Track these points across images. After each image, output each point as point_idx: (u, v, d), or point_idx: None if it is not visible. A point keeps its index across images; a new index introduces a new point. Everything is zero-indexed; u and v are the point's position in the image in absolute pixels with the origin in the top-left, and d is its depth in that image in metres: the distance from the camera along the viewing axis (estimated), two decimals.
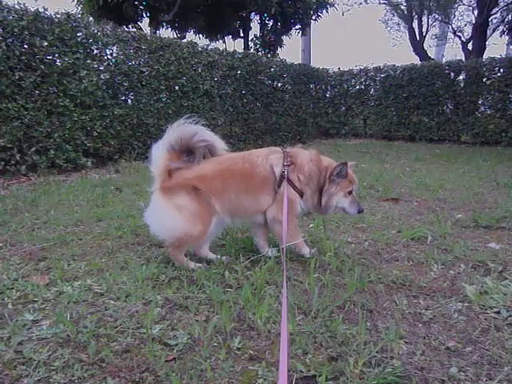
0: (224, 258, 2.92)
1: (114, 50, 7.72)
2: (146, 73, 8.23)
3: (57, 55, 6.54)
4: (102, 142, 7.44)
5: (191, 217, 2.70)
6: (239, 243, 3.22)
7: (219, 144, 2.93)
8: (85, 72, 6.88)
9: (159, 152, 2.82)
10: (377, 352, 1.75)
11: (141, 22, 13.04)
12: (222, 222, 2.92)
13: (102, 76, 7.41)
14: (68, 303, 2.25)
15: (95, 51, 7.27)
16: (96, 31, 7.23)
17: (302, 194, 2.87)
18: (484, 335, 1.91)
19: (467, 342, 1.87)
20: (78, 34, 6.86)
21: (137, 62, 8.05)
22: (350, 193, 2.90)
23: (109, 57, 7.62)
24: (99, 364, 1.72)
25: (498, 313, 2.11)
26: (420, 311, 2.17)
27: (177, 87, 8.85)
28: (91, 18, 8.54)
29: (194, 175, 2.74)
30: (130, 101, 8.13)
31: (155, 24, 12.28)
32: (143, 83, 8.17)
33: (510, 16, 17.20)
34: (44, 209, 4.44)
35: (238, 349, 1.82)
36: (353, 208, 2.92)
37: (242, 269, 2.69)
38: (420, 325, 2.04)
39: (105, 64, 7.53)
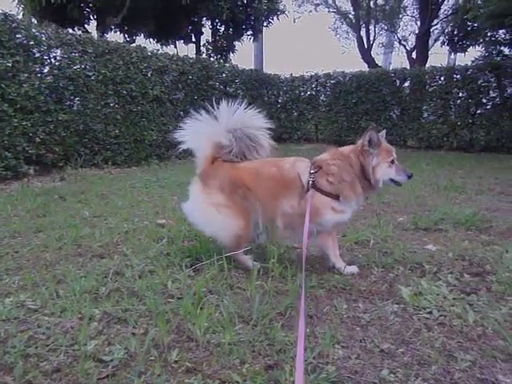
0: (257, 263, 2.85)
1: (58, 53, 7.45)
2: (93, 77, 8.01)
3: None
4: (45, 148, 7.14)
5: (232, 216, 2.78)
6: (185, 251, 3.17)
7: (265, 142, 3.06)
8: (25, 75, 6.59)
9: (212, 131, 2.92)
10: (313, 358, 1.78)
11: (88, 25, 12.71)
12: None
13: (44, 80, 7.12)
14: None
15: (37, 54, 6.99)
16: (37, 33, 6.94)
17: (337, 197, 2.73)
18: (416, 336, 1.98)
19: (400, 343, 1.93)
20: (18, 36, 6.57)
21: (82, 66, 7.81)
22: (392, 162, 2.79)
23: (52, 60, 7.35)
24: None
25: (431, 313, 2.20)
26: (358, 315, 2.22)
27: (125, 92, 8.66)
28: (34, 20, 8.22)
29: (237, 171, 2.85)
30: (75, 106, 7.87)
31: (103, 27, 11.97)
32: (89, 88, 7.95)
33: (449, 27, 18.16)
34: None
35: (176, 361, 1.79)
36: (401, 175, 2.80)
37: (185, 278, 2.65)
38: (358, 328, 2.09)
39: (48, 67, 7.25)
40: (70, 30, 9.97)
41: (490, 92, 12.08)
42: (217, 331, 2.01)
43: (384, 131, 2.98)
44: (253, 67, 16.30)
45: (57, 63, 7.39)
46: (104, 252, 3.30)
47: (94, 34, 11.88)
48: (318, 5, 22.07)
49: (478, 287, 2.54)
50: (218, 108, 2.98)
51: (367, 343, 1.93)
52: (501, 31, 14.92)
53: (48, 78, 7.23)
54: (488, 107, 12.24)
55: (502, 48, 15.80)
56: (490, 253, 3.16)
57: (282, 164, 2.88)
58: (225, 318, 2.08)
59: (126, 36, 14.67)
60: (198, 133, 3.01)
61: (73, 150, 7.76)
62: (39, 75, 7.02)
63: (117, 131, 8.56)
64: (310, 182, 2.71)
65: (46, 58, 7.23)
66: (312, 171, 2.75)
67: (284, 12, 15.58)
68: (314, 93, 14.90)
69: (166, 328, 1.96)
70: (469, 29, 16.67)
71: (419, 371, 1.69)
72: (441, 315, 2.17)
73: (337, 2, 21.77)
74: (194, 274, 2.77)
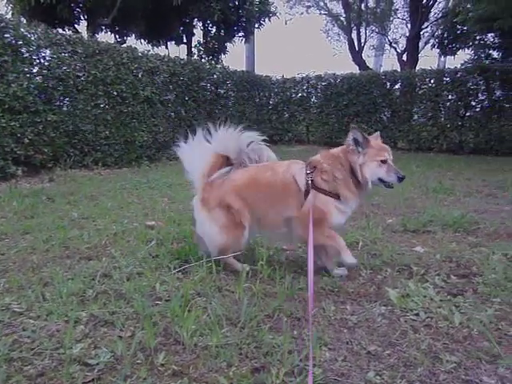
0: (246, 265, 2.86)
1: (48, 54, 7.39)
2: (83, 78, 7.96)
3: None
4: (34, 149, 7.07)
5: (227, 231, 2.81)
6: (173, 253, 3.16)
7: (267, 153, 3.02)
8: (14, 75, 6.52)
9: (204, 155, 2.91)
10: (300, 360, 1.78)
11: (78, 25, 12.62)
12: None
13: (33, 80, 7.05)
14: None
15: (25, 54, 6.92)
16: (26, 33, 6.88)
17: (338, 196, 2.71)
18: (402, 337, 1.99)
19: (387, 345, 1.94)
20: (6, 36, 6.50)
21: (72, 67, 7.75)
22: (384, 162, 2.69)
23: (41, 60, 7.29)
24: None
25: (417, 315, 2.21)
26: (346, 317, 2.23)
27: (115, 93, 8.61)
28: (23, 19, 8.15)
29: (228, 188, 2.82)
30: (65, 106, 7.81)
31: (93, 27, 11.89)
32: (79, 88, 7.90)
33: (439, 30, 18.34)
34: None
35: (162, 365, 1.78)
36: (391, 176, 2.69)
37: (173, 280, 2.64)
38: (345, 330, 2.09)
39: (37, 68, 7.19)
40: (60, 30, 9.87)
41: (479, 95, 12.20)
42: (204, 334, 2.00)
43: (378, 133, 2.95)
44: (244, 69, 16.31)
45: (46, 63, 7.32)
46: (92, 254, 3.28)
47: (85, 34, 11.83)
48: (309, 7, 22.18)
49: (465, 289, 2.56)
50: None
51: (354, 345, 1.93)
52: (489, 35, 15.13)
53: (37, 78, 7.17)
54: (477, 110, 12.37)
55: (490, 51, 16.01)
56: (477, 254, 3.19)
57: (277, 168, 2.85)
58: (212, 320, 2.07)
59: (117, 36, 14.60)
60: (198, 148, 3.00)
61: (62, 151, 7.70)
62: (28, 75, 6.94)
63: (107, 132, 8.51)
64: (310, 182, 2.69)
65: (34, 58, 7.17)
66: (308, 171, 2.73)
67: (275, 14, 15.63)
68: (305, 94, 14.96)
69: (152, 331, 1.95)
70: (458, 32, 16.85)
71: (405, 373, 1.70)
72: (427, 317, 2.18)
73: (328, 5, 21.91)
74: (183, 277, 2.76)
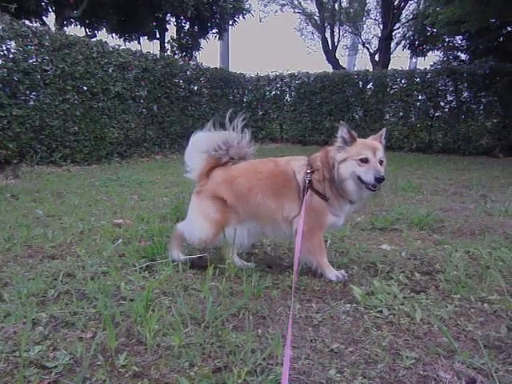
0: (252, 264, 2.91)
1: (12, 46, 7.15)
2: (50, 72, 7.74)
3: None
4: None
5: (209, 223, 2.81)
6: (140, 252, 3.11)
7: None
8: None
9: (199, 154, 2.93)
10: (263, 359, 1.77)
11: (46, 17, 12.25)
12: (251, 231, 2.91)
13: None
14: None
15: None
16: None
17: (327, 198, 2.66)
18: (365, 335, 2.02)
19: (350, 342, 1.96)
20: None
21: (39, 60, 7.53)
22: (364, 160, 2.53)
23: (6, 52, 7.05)
24: None
25: (381, 312, 2.24)
26: (311, 315, 2.24)
27: (85, 88, 8.42)
28: None
29: (222, 180, 2.84)
30: (31, 101, 7.58)
31: (61, 20, 11.56)
32: (47, 82, 7.68)
33: (410, 32, 18.71)
34: None
35: (123, 366, 1.74)
36: (368, 175, 2.48)
37: (139, 279, 2.60)
38: (310, 328, 2.10)
39: (1, 60, 6.95)
40: (27, 22, 9.55)
41: (448, 95, 12.53)
42: (168, 334, 1.97)
43: (383, 130, 2.84)
44: (219, 66, 16.21)
45: (11, 56, 7.09)
46: (56, 253, 3.19)
47: (53, 26, 11.48)
48: (283, 5, 22.24)
49: (427, 286, 2.62)
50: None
51: (317, 343, 1.94)
52: (458, 37, 15.51)
53: (1, 71, 6.92)
54: (445, 110, 12.70)
55: (458, 53, 16.43)
56: (441, 252, 3.26)
57: (278, 161, 2.86)
58: (176, 320, 2.04)
59: (88, 30, 14.26)
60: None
61: (28, 147, 7.48)
62: None
63: (76, 128, 8.32)
64: (307, 182, 2.65)
65: None
66: (308, 171, 2.68)
67: (250, 11, 15.60)
68: (278, 92, 15.01)
69: (114, 331, 1.90)
70: (428, 34, 17.24)
71: (366, 370, 1.72)
72: (390, 314, 2.21)
73: (302, 3, 22.03)
74: (149, 276, 2.72)
